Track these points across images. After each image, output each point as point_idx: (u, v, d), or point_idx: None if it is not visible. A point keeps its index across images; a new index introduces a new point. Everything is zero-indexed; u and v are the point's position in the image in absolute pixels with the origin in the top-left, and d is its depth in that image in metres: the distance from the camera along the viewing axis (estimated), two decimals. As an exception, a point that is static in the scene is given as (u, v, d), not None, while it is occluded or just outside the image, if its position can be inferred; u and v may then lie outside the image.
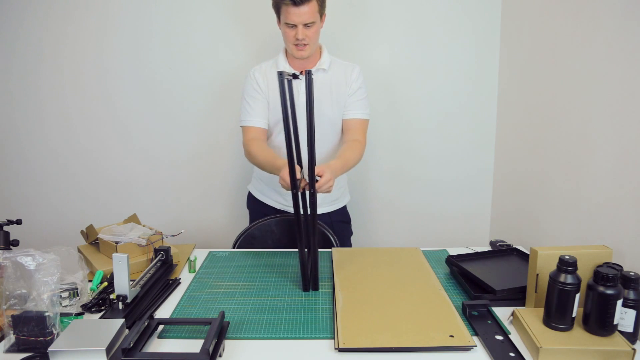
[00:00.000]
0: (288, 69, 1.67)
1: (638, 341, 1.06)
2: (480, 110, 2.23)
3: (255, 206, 1.89)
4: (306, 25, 1.54)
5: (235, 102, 2.20)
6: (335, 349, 1.04)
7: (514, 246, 1.58)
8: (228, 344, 1.07)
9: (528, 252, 1.32)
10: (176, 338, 1.09)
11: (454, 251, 1.58)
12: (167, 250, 1.46)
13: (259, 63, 1.75)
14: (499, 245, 1.59)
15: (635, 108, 1.25)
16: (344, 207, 1.91)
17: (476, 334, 1.09)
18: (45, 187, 2.32)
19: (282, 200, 1.82)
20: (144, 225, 1.61)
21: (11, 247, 1.32)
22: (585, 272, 1.09)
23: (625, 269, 1.09)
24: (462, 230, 2.36)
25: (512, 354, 1.02)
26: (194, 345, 1.02)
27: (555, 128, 1.67)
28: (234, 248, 1.76)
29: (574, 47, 1.55)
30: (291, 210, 1.75)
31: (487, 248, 1.61)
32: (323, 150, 1.72)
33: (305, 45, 1.59)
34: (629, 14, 1.28)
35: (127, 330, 1.11)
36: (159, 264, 1.42)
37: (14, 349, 1.03)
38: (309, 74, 1.21)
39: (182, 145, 2.27)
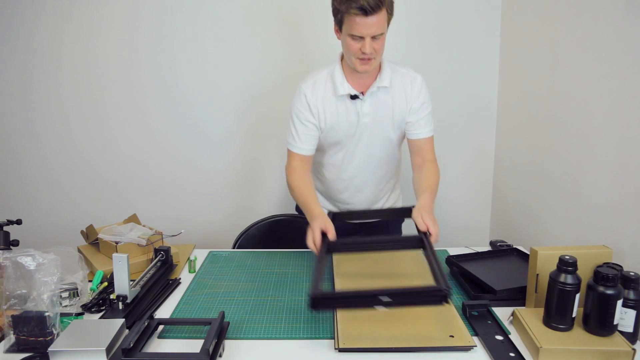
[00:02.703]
0: (347, 87, 1.47)
1: (638, 341, 1.06)
2: (480, 111, 2.23)
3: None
4: (374, 37, 1.34)
5: (236, 102, 2.22)
6: (335, 349, 1.04)
7: (514, 246, 1.58)
8: (228, 344, 1.07)
9: (528, 252, 1.32)
10: (176, 338, 1.09)
11: (454, 251, 1.58)
12: (167, 250, 1.46)
13: (310, 75, 1.54)
14: (499, 245, 1.59)
15: (635, 108, 1.25)
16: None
17: (476, 334, 1.09)
18: (45, 187, 2.32)
19: (331, 207, 1.75)
20: (144, 225, 1.61)
21: (11, 247, 1.32)
22: (585, 272, 1.09)
23: (625, 269, 1.09)
24: (462, 230, 2.36)
25: (512, 354, 1.02)
26: (194, 345, 1.02)
27: (555, 128, 1.67)
28: (234, 248, 1.76)
29: (574, 47, 1.54)
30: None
31: (487, 248, 1.61)
32: (386, 169, 1.64)
33: (370, 59, 1.39)
34: (629, 14, 1.28)
35: (127, 330, 1.11)
36: (159, 264, 1.42)
37: (14, 349, 1.03)
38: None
39: (182, 145, 2.27)
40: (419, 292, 1.04)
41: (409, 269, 1.42)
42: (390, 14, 1.36)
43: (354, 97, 1.47)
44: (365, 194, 1.65)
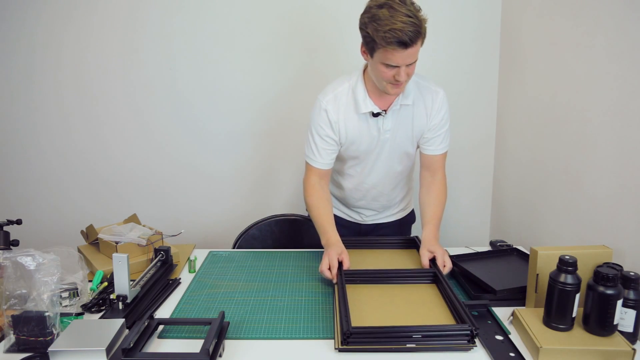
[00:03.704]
0: (369, 105, 1.44)
1: (638, 341, 1.06)
2: (480, 110, 2.23)
3: None
4: (408, 64, 1.30)
5: (236, 102, 2.21)
6: (335, 349, 1.04)
7: (514, 246, 1.58)
8: (228, 344, 1.07)
9: (528, 252, 1.32)
10: (176, 338, 1.09)
11: (454, 251, 1.58)
12: (167, 250, 1.46)
13: (329, 88, 1.49)
14: (499, 245, 1.59)
15: (635, 108, 1.25)
16: (412, 211, 1.83)
17: (477, 334, 1.09)
18: (45, 187, 2.32)
19: (345, 210, 1.76)
20: (144, 225, 1.61)
21: (11, 247, 1.32)
22: (585, 272, 1.09)
23: (625, 269, 1.09)
24: (462, 230, 2.36)
25: (512, 354, 1.02)
26: (194, 345, 1.02)
27: (555, 128, 1.67)
28: (234, 248, 1.76)
29: (574, 47, 1.54)
30: (351, 219, 1.75)
31: (487, 248, 1.61)
32: (402, 179, 1.65)
33: (401, 83, 1.34)
34: (629, 14, 1.28)
35: (127, 330, 1.11)
36: (159, 264, 1.42)
37: (14, 349, 1.03)
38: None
39: (183, 145, 2.27)
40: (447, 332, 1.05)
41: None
42: (424, 31, 1.29)
43: (376, 114, 1.46)
44: (380, 202, 1.67)
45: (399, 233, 1.76)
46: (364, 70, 1.47)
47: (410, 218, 1.81)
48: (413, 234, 1.86)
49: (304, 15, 2.10)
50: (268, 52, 2.15)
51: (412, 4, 1.28)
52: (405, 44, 1.23)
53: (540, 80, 1.77)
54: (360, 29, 1.32)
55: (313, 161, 1.51)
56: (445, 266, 1.34)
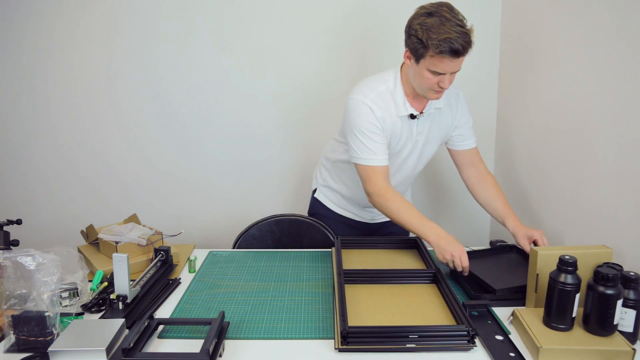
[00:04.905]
0: (409, 108, 1.46)
1: (638, 341, 1.06)
2: (480, 110, 2.22)
3: (321, 211, 1.81)
4: (453, 72, 1.35)
5: (235, 102, 2.21)
6: (335, 349, 1.04)
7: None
8: (228, 344, 1.07)
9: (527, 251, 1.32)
10: (176, 338, 1.09)
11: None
12: (167, 250, 1.46)
13: (364, 90, 1.48)
14: (499, 245, 1.59)
15: (635, 108, 1.25)
16: None
17: (476, 334, 1.09)
18: (45, 187, 2.32)
19: (354, 210, 1.76)
20: (144, 225, 1.61)
21: (11, 247, 1.32)
22: (585, 272, 1.09)
23: (625, 269, 1.09)
24: (462, 230, 2.36)
25: (512, 354, 1.02)
26: (194, 345, 1.02)
27: (555, 128, 1.67)
28: (234, 248, 1.76)
29: (574, 47, 1.54)
30: (359, 218, 1.75)
31: (487, 248, 1.61)
32: (411, 178, 1.67)
33: (444, 89, 1.39)
34: (629, 14, 1.28)
35: (127, 330, 1.11)
36: (159, 264, 1.42)
37: (14, 349, 1.03)
38: None
39: (183, 145, 2.27)
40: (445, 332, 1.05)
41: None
42: (472, 47, 1.32)
43: (413, 116, 1.49)
44: None
45: (404, 229, 1.75)
46: (400, 72, 1.48)
47: None
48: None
49: (301, 16, 2.10)
50: (268, 51, 2.15)
51: (459, 13, 1.31)
52: (457, 53, 1.27)
53: (540, 80, 1.77)
54: (410, 35, 1.34)
55: (372, 160, 1.45)
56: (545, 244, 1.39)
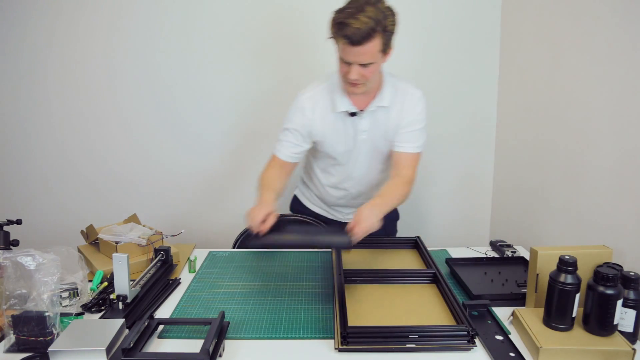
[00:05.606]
0: (346, 103, 1.44)
1: (638, 341, 1.06)
2: (480, 110, 2.23)
3: (299, 208, 1.83)
4: (362, 65, 1.30)
5: (234, 103, 2.21)
6: (335, 349, 1.04)
7: (514, 247, 1.58)
8: (228, 344, 1.07)
9: (528, 252, 1.32)
10: (176, 338, 1.09)
11: (454, 251, 1.58)
12: (167, 250, 1.46)
13: (310, 86, 1.50)
14: (499, 245, 1.59)
15: (635, 108, 1.25)
16: (395, 209, 1.75)
17: (476, 334, 1.09)
18: (45, 187, 2.32)
19: (326, 208, 1.77)
20: (144, 225, 1.61)
21: (11, 247, 1.32)
22: (585, 272, 1.09)
23: (625, 269, 1.09)
24: (462, 230, 2.36)
25: (512, 354, 1.02)
26: (194, 345, 1.02)
27: (555, 128, 1.67)
28: (234, 248, 1.76)
29: (574, 47, 1.54)
30: (332, 217, 1.76)
31: (487, 248, 1.61)
32: (381, 178, 1.61)
33: (358, 84, 1.35)
34: (629, 14, 1.28)
35: (127, 330, 1.11)
36: (159, 264, 1.42)
37: (14, 349, 1.03)
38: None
39: (183, 145, 2.27)
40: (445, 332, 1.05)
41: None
42: (385, 43, 1.29)
43: (352, 114, 1.46)
44: (360, 200, 1.66)
45: (383, 230, 1.73)
46: None
47: (393, 215, 1.81)
48: (399, 231, 1.87)
49: (292, 17, 2.11)
50: (264, 57, 2.15)
51: (381, 2, 1.26)
52: (352, 42, 1.23)
53: (541, 80, 1.77)
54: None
55: (278, 151, 1.51)
56: (352, 231, 1.22)
